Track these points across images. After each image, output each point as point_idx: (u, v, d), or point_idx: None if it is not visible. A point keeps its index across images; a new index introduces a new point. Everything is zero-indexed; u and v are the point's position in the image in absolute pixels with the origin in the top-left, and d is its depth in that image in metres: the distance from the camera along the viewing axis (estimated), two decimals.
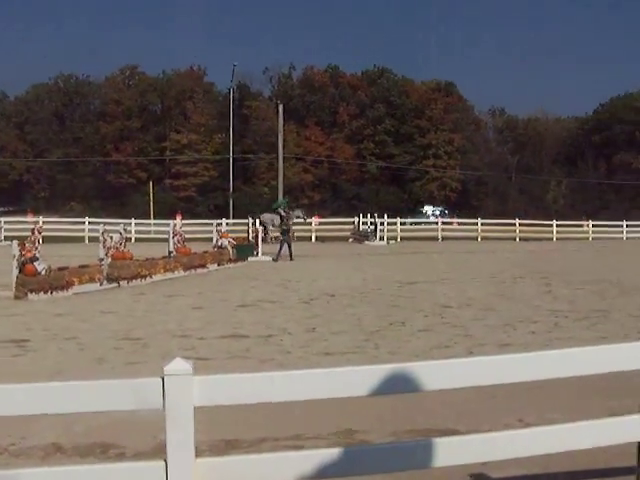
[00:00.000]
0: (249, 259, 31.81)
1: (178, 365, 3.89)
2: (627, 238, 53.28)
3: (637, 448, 4.74)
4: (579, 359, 4.67)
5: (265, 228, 41.11)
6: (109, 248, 21.99)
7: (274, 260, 31.67)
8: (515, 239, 51.24)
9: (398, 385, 4.20)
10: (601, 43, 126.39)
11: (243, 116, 76.71)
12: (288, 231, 34.20)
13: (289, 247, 32.60)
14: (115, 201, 71.09)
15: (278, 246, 33.01)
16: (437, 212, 71.17)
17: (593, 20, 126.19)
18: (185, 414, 3.88)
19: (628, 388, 6.85)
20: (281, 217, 39.83)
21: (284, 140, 66.55)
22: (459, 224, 56.71)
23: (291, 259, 31.86)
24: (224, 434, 6.83)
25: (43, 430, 6.81)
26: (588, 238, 52.95)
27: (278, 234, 39.10)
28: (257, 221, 38.50)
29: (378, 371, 4.18)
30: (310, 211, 58.77)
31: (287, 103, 73.86)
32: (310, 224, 48.27)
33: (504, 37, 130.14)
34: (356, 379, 4.19)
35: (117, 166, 77.11)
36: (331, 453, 4.23)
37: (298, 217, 43.01)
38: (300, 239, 41.62)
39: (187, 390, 3.87)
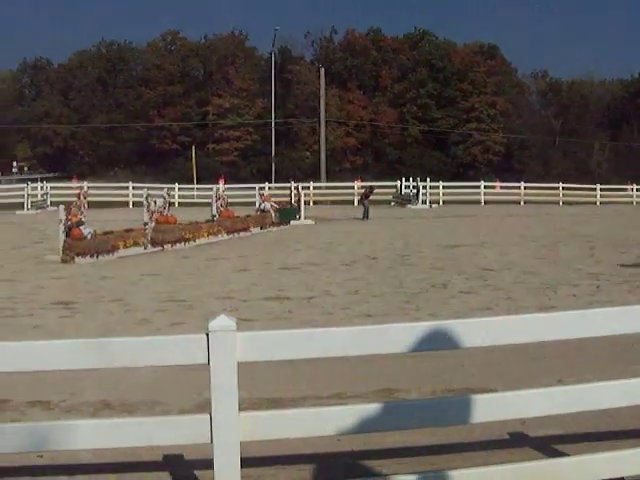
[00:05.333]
0: (292, 223, 31.89)
1: (222, 322, 4.00)
2: None
3: None
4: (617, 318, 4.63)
5: None
6: (153, 212, 22.28)
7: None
8: (558, 203, 50.70)
9: (437, 342, 4.25)
10: None
11: (285, 80, 76.49)
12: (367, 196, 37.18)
13: (366, 210, 35.70)
14: (158, 166, 71.37)
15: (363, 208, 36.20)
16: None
17: None
18: (229, 369, 4.00)
19: None
20: None
21: (326, 104, 66.54)
22: (502, 188, 56.05)
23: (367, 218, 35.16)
24: (265, 393, 6.97)
25: (90, 387, 7.02)
26: (632, 202, 52.16)
27: None
28: None
29: (416, 328, 4.24)
30: (352, 175, 58.83)
31: (329, 67, 73.66)
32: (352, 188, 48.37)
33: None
34: (395, 335, 4.24)
35: (160, 131, 77.46)
36: (370, 408, 4.29)
37: None
38: (344, 203, 41.33)
39: (231, 345, 3.98)
